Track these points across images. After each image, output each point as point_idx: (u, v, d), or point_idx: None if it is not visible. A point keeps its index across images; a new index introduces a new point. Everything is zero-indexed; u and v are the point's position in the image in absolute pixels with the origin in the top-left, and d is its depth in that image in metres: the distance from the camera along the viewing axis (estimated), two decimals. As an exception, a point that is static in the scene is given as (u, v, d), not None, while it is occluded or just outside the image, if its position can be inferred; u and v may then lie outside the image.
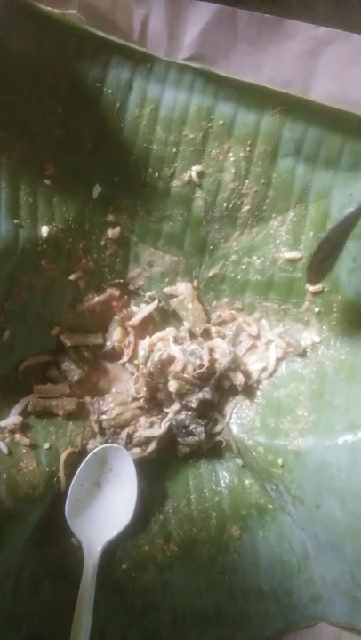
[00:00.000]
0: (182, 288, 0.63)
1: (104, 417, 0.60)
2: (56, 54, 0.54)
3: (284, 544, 0.58)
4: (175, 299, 0.63)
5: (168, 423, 0.61)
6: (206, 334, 0.63)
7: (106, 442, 0.60)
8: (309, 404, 0.58)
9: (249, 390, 0.62)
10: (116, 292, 0.63)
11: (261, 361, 0.62)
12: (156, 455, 0.61)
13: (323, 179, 0.57)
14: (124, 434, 0.60)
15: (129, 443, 0.60)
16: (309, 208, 0.58)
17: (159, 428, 0.61)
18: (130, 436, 0.60)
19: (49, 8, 0.52)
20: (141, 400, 0.61)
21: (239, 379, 0.60)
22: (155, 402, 0.62)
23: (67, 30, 0.53)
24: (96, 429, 0.61)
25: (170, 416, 0.61)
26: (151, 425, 0.61)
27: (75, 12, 0.53)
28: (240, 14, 0.55)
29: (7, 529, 0.52)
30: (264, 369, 0.62)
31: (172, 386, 0.59)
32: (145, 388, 0.61)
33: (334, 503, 0.52)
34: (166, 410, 0.62)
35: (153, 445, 0.60)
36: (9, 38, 0.52)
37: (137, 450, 0.60)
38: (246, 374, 0.61)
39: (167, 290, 0.64)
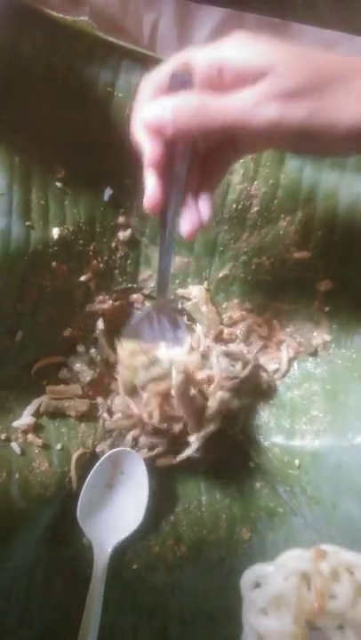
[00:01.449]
0: (196, 291, 0.63)
1: (107, 417, 0.61)
2: (67, 59, 0.55)
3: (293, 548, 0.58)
4: (189, 302, 0.63)
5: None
6: (219, 337, 0.63)
7: (113, 444, 0.60)
8: (324, 404, 0.57)
9: (262, 391, 0.62)
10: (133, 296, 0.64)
11: (274, 362, 0.62)
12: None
13: (330, 178, 0.57)
14: (129, 436, 0.60)
15: (135, 446, 0.60)
16: (318, 207, 0.58)
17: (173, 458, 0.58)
18: (135, 440, 0.60)
19: (60, 15, 0.53)
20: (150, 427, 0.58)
21: (265, 379, 0.60)
22: (166, 435, 0.58)
23: (78, 36, 0.54)
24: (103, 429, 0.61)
25: (194, 447, 0.56)
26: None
27: (86, 18, 0.54)
28: (248, 18, 0.56)
29: (20, 528, 0.52)
30: (277, 370, 0.62)
31: (216, 400, 0.55)
32: (157, 417, 0.56)
33: (352, 503, 0.52)
34: (191, 438, 0.56)
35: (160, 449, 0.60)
36: (21, 44, 0.54)
37: (145, 450, 0.60)
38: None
39: (180, 292, 0.64)
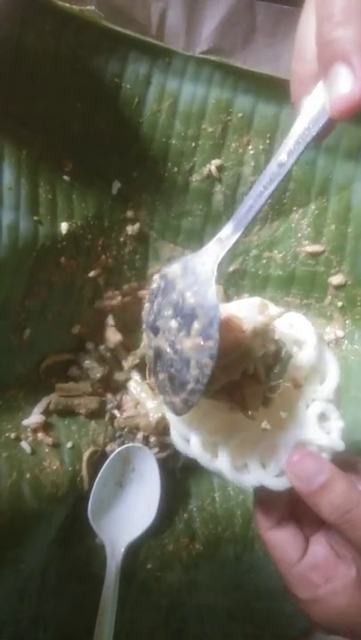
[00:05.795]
0: None
1: (116, 413, 0.60)
2: (74, 50, 0.54)
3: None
4: None
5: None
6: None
7: (122, 443, 0.59)
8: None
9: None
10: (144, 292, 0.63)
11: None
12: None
13: (344, 170, 0.57)
14: (139, 435, 0.59)
15: (146, 444, 0.59)
16: (331, 200, 0.58)
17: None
18: (146, 439, 0.60)
19: (67, 4, 0.52)
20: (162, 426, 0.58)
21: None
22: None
23: (85, 26, 0.53)
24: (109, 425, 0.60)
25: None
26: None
27: (93, 7, 0.53)
28: (258, 6, 0.55)
29: (32, 529, 0.52)
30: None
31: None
32: None
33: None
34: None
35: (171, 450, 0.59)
36: (27, 35, 0.52)
37: (156, 450, 0.60)
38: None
39: None
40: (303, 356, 0.38)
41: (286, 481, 0.36)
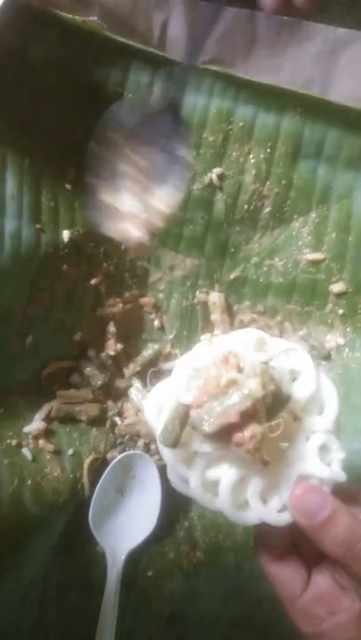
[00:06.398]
0: (216, 298, 0.63)
1: (117, 420, 0.60)
2: (77, 60, 0.54)
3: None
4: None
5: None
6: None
7: (123, 450, 0.59)
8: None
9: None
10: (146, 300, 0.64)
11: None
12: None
13: (344, 179, 0.57)
14: (140, 442, 0.59)
15: (147, 451, 0.59)
16: (331, 209, 0.58)
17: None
18: (147, 446, 0.60)
19: (70, 15, 0.53)
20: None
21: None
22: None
23: (87, 36, 0.54)
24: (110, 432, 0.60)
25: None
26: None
27: (95, 18, 0.53)
28: (259, 17, 0.55)
29: (33, 536, 0.52)
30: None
31: None
32: None
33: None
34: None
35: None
36: (31, 45, 0.53)
37: (157, 457, 0.59)
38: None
39: (201, 297, 0.63)
40: (301, 387, 0.38)
41: (288, 516, 0.36)
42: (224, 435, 0.34)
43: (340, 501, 0.35)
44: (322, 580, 0.37)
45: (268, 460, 0.35)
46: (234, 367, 0.35)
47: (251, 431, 0.33)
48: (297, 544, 0.39)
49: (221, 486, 0.36)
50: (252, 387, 0.33)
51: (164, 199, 0.55)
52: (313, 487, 0.36)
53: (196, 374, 0.37)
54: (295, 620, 0.37)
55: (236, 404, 0.33)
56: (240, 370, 0.35)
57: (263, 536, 0.39)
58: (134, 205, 0.55)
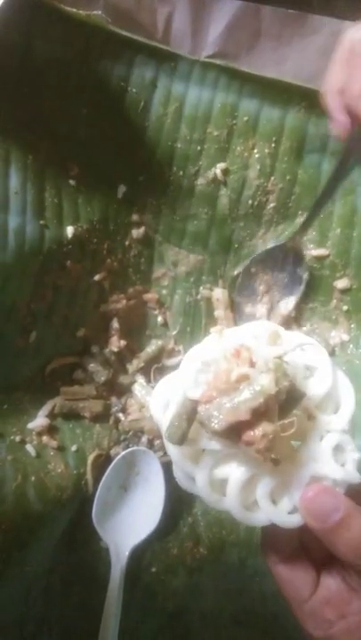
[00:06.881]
0: (219, 294, 0.62)
1: (121, 417, 0.60)
2: (81, 55, 0.54)
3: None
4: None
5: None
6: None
7: (127, 446, 0.59)
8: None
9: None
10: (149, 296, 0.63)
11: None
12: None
13: (349, 175, 0.57)
14: (144, 438, 0.59)
15: (150, 447, 0.59)
16: (336, 204, 0.58)
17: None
18: (150, 442, 0.60)
19: (74, 9, 0.52)
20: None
21: None
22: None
23: (91, 31, 0.53)
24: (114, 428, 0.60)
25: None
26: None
27: (99, 12, 0.53)
28: (263, 10, 0.55)
29: (37, 532, 0.52)
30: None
31: None
32: None
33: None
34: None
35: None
36: (34, 40, 0.53)
37: (161, 453, 0.59)
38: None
39: (204, 293, 0.63)
40: (316, 384, 0.35)
41: (299, 518, 0.34)
42: (233, 432, 0.32)
43: (354, 503, 0.34)
44: (331, 582, 0.36)
45: (279, 459, 0.33)
46: (246, 361, 0.33)
47: (262, 430, 0.31)
48: (305, 544, 0.38)
49: (230, 485, 0.34)
50: (264, 382, 0.31)
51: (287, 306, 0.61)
52: (326, 489, 0.34)
53: (205, 368, 0.34)
54: (304, 624, 0.36)
55: (247, 400, 0.31)
56: (252, 364, 0.33)
57: (271, 537, 0.38)
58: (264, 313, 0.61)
